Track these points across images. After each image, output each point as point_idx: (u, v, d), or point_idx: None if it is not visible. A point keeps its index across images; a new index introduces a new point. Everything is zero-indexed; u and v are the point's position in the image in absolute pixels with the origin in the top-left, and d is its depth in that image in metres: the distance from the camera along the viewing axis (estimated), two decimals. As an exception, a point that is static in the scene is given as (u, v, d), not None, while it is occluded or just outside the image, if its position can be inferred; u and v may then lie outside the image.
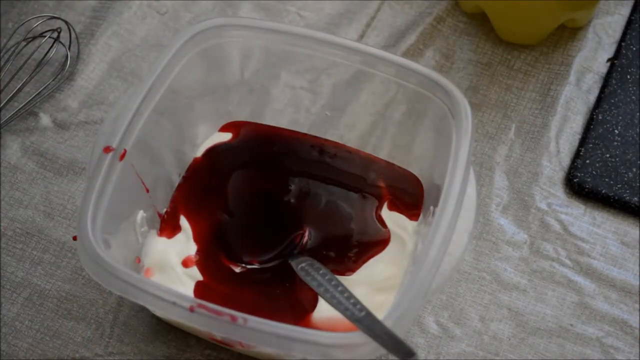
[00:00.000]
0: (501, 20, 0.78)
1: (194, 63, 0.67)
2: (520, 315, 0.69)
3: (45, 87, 0.77)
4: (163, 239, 0.68)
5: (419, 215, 0.69)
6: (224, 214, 0.69)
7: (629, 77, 0.77)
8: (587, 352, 0.67)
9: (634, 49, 0.78)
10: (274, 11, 0.81)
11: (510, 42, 0.79)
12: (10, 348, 0.68)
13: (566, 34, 0.80)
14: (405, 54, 0.78)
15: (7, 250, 0.71)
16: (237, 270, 0.67)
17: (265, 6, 0.81)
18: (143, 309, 0.69)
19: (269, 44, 0.69)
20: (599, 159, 0.73)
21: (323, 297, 0.62)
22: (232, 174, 0.71)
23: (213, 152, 0.72)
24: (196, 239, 0.68)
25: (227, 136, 0.72)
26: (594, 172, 0.73)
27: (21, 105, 0.76)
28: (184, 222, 0.69)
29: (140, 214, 0.67)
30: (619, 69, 0.77)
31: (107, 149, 0.63)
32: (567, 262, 0.71)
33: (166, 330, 0.68)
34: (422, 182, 0.70)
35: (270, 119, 0.73)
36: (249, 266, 0.67)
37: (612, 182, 0.73)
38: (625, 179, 0.73)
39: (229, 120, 0.73)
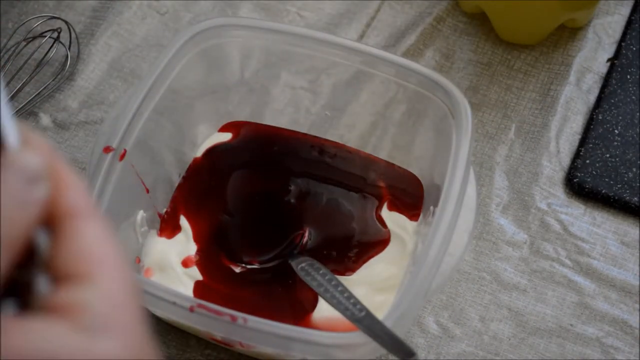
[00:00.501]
0: (501, 20, 0.78)
1: (194, 63, 0.68)
2: (520, 315, 0.69)
3: (45, 87, 0.77)
4: (163, 239, 0.68)
5: (419, 215, 0.69)
6: (224, 214, 0.69)
7: (629, 77, 0.77)
8: (587, 352, 0.67)
9: (634, 49, 0.78)
10: (274, 11, 0.81)
11: (510, 42, 0.79)
12: (10, 348, 0.68)
13: (566, 34, 0.80)
14: (405, 54, 0.78)
15: (7, 250, 0.71)
16: (237, 270, 0.67)
17: (265, 6, 0.81)
18: (143, 309, 0.69)
19: (269, 44, 0.69)
20: (599, 159, 0.73)
21: (323, 297, 0.62)
22: (232, 174, 0.71)
23: (213, 152, 0.72)
24: (196, 239, 0.68)
25: (227, 136, 0.72)
26: (594, 172, 0.73)
27: (21, 106, 0.76)
28: (184, 222, 0.69)
29: (140, 214, 0.67)
30: (619, 69, 0.77)
31: (107, 149, 0.63)
32: (567, 262, 0.71)
33: (166, 330, 0.68)
34: (422, 182, 0.70)
35: (270, 119, 0.73)
36: (249, 266, 0.67)
37: (612, 182, 0.73)
38: (625, 179, 0.73)
39: (229, 120, 0.73)
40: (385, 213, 0.69)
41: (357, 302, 0.60)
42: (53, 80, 0.77)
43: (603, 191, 0.72)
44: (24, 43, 0.77)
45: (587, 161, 0.73)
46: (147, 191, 0.67)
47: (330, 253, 0.67)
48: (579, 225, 0.72)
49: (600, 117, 0.75)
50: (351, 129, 0.72)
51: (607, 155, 0.74)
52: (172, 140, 0.70)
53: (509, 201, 0.73)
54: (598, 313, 0.69)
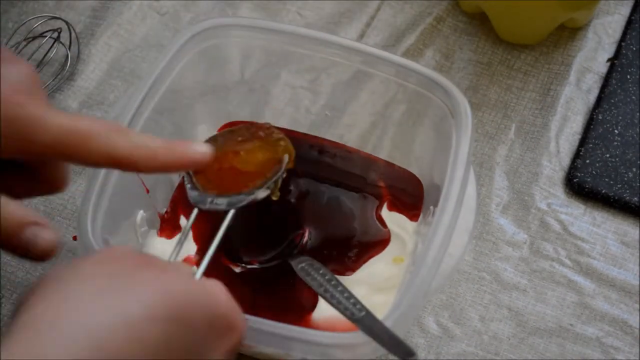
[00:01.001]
0: (501, 20, 0.78)
1: (194, 63, 0.67)
2: (520, 315, 0.69)
3: (45, 87, 0.77)
4: (163, 239, 0.68)
5: (419, 215, 0.69)
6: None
7: (629, 77, 0.77)
8: (587, 352, 0.67)
9: (634, 49, 0.78)
10: (274, 10, 0.81)
11: (510, 42, 0.79)
12: (10, 348, 0.68)
13: (566, 34, 0.80)
14: (405, 54, 0.78)
15: (7, 250, 0.71)
16: (237, 270, 0.67)
17: (265, 6, 0.81)
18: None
19: (269, 43, 0.69)
20: (599, 159, 0.73)
21: (323, 297, 0.62)
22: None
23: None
24: (196, 239, 0.68)
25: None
26: (594, 172, 0.73)
27: (21, 105, 0.76)
28: (184, 222, 0.69)
29: (140, 214, 0.67)
30: (619, 69, 0.77)
31: (107, 149, 0.62)
32: (567, 262, 0.71)
33: (166, 330, 0.68)
34: (422, 182, 0.70)
35: (270, 119, 0.73)
36: (249, 266, 0.67)
37: (612, 182, 0.73)
38: (625, 179, 0.73)
39: (229, 120, 0.73)
40: (385, 213, 0.69)
41: (357, 302, 0.60)
42: (53, 80, 0.77)
43: (603, 191, 0.72)
44: (24, 43, 0.77)
45: (587, 161, 0.73)
46: (147, 191, 0.67)
47: (330, 253, 0.67)
48: (579, 225, 0.72)
49: (600, 117, 0.75)
50: (351, 129, 0.72)
51: (607, 155, 0.74)
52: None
53: (509, 201, 0.73)
54: (598, 313, 0.69)
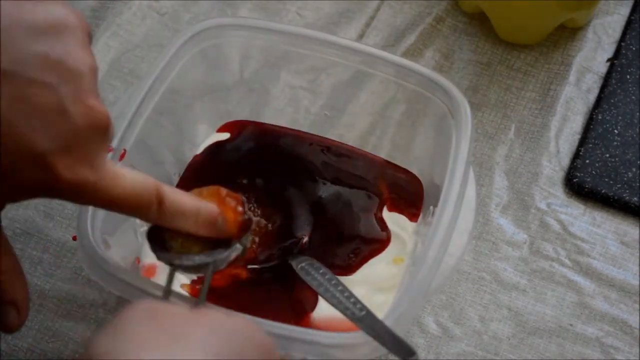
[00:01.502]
0: (501, 20, 0.78)
1: (193, 63, 0.67)
2: (520, 315, 0.69)
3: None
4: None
5: (419, 215, 0.69)
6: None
7: (628, 77, 0.77)
8: (587, 352, 0.67)
9: (634, 49, 0.78)
10: (274, 10, 0.81)
11: (510, 42, 0.79)
12: (10, 348, 0.68)
13: (566, 34, 0.80)
14: (405, 54, 0.78)
15: (7, 250, 0.71)
16: (238, 270, 0.67)
17: (265, 6, 0.81)
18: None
19: (269, 44, 0.69)
20: (598, 159, 0.73)
21: (323, 297, 0.62)
22: (232, 173, 0.71)
23: (212, 151, 0.72)
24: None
25: (226, 136, 0.72)
26: (593, 172, 0.73)
27: (21, 106, 0.76)
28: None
29: (140, 214, 0.66)
30: (619, 69, 0.77)
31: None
32: (567, 262, 0.71)
33: (166, 330, 0.68)
34: (422, 182, 0.70)
35: (270, 119, 0.73)
36: (249, 266, 0.67)
37: (612, 182, 0.73)
38: (625, 179, 0.73)
39: (229, 120, 0.73)
40: (385, 213, 0.69)
41: (357, 302, 0.60)
42: (53, 80, 0.77)
43: (603, 191, 0.72)
44: (23, 43, 0.77)
45: (587, 161, 0.73)
46: (147, 191, 0.67)
47: (330, 253, 0.67)
48: (578, 225, 0.72)
49: (600, 117, 0.75)
50: (351, 129, 0.72)
51: (607, 155, 0.74)
52: (172, 140, 0.70)
53: (508, 201, 0.73)
54: (598, 313, 0.69)
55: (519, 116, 0.76)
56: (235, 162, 0.71)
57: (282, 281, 0.66)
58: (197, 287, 0.66)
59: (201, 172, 0.71)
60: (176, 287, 0.66)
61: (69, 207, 0.73)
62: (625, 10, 0.80)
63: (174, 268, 0.56)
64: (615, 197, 0.72)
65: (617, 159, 0.73)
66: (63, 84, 0.47)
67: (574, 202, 0.73)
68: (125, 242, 0.65)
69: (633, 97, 0.76)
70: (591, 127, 0.75)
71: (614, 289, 0.70)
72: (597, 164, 0.73)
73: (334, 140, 0.72)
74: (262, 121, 0.73)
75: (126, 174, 0.51)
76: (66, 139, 0.48)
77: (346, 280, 0.66)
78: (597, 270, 0.70)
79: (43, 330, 0.68)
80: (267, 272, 0.67)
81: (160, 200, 0.53)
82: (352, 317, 0.58)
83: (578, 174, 0.73)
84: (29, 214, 0.72)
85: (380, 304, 0.63)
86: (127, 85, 0.78)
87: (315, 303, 0.65)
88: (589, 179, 0.73)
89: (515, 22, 0.77)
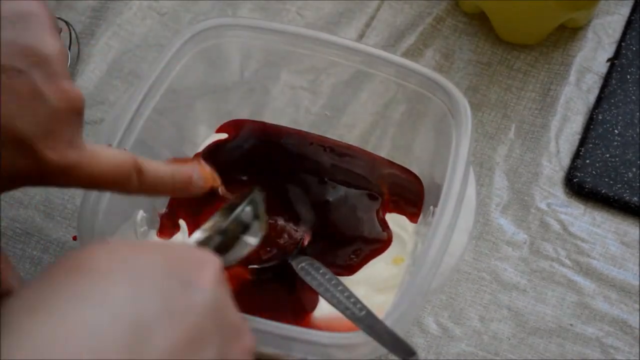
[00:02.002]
0: (501, 20, 0.78)
1: (193, 63, 0.68)
2: (520, 315, 0.69)
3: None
4: (163, 239, 0.68)
5: (419, 215, 0.69)
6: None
7: (628, 77, 0.77)
8: (587, 352, 0.67)
9: (634, 49, 0.78)
10: (274, 10, 0.81)
11: (510, 42, 0.79)
12: (10, 348, 0.68)
13: (566, 34, 0.80)
14: (405, 54, 0.79)
15: (7, 250, 0.71)
16: (238, 270, 0.67)
17: (265, 6, 0.81)
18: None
19: (269, 43, 0.69)
20: (598, 159, 0.73)
21: (323, 297, 0.62)
22: (231, 173, 0.71)
23: (212, 151, 0.72)
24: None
25: (226, 135, 0.72)
26: (593, 172, 0.73)
27: (21, 105, 0.76)
28: (183, 222, 0.69)
29: (140, 214, 0.67)
30: (619, 69, 0.77)
31: (107, 149, 0.62)
32: (567, 262, 0.71)
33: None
34: (422, 182, 0.70)
35: (270, 119, 0.73)
36: (249, 266, 0.67)
37: (612, 182, 0.73)
38: (625, 179, 0.73)
39: (230, 119, 0.73)
40: (386, 213, 0.69)
41: (357, 302, 0.60)
42: (53, 80, 0.77)
43: (603, 191, 0.72)
44: (23, 43, 0.77)
45: (587, 161, 0.73)
46: (147, 191, 0.67)
47: (330, 253, 0.67)
48: (578, 225, 0.72)
49: (600, 117, 0.75)
50: (351, 129, 0.72)
51: (607, 155, 0.74)
52: (172, 140, 0.70)
53: (508, 201, 0.73)
54: (598, 313, 0.69)
55: (519, 116, 0.76)
56: (236, 161, 0.71)
57: (282, 281, 0.66)
58: None
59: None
60: None
61: (69, 207, 0.73)
62: (625, 10, 0.80)
63: None
64: (616, 197, 0.72)
65: (617, 159, 0.73)
66: (33, 68, 0.48)
67: (574, 202, 0.73)
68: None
69: (633, 97, 0.76)
70: (591, 127, 0.75)
71: (614, 289, 0.70)
72: (597, 164, 0.73)
73: (334, 140, 0.72)
74: (263, 121, 0.73)
75: (103, 150, 0.52)
76: (46, 122, 0.48)
77: (346, 280, 0.66)
78: (597, 270, 0.70)
79: (43, 330, 0.68)
80: (268, 272, 0.67)
81: (138, 170, 0.54)
82: (352, 317, 0.58)
83: (578, 174, 0.73)
84: (29, 214, 0.72)
85: (380, 304, 0.63)
86: (127, 85, 0.78)
87: (315, 303, 0.65)
88: (589, 179, 0.73)
89: (515, 22, 0.77)
